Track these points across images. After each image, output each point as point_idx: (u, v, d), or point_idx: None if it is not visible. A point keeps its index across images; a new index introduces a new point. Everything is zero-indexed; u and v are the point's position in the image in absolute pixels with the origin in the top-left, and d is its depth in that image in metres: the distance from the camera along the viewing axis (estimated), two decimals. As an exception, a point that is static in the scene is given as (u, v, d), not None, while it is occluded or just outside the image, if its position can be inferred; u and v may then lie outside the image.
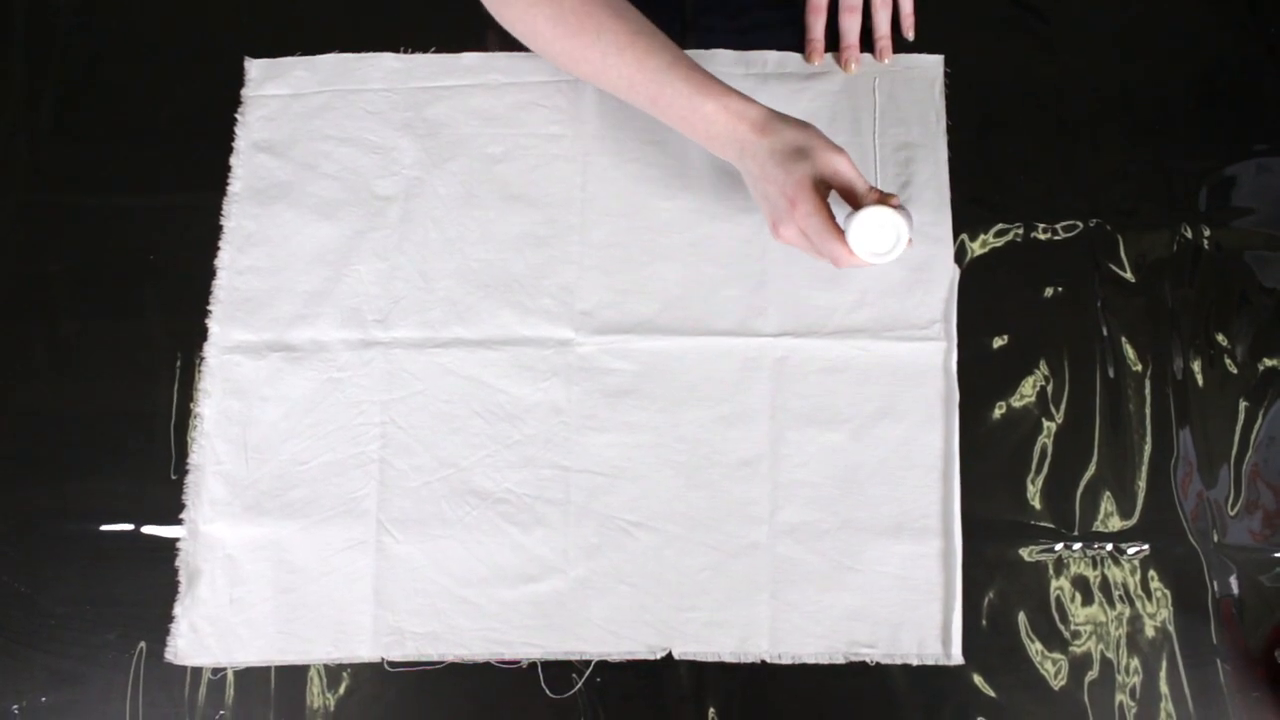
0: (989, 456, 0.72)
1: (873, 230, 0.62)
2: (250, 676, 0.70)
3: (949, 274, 0.75)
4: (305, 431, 0.73)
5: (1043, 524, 0.71)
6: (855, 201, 0.64)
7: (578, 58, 0.69)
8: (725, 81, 0.67)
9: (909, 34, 0.81)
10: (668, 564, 0.71)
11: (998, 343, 0.74)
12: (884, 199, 0.62)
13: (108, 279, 0.77)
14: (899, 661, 0.69)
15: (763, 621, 0.70)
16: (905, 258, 0.74)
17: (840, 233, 0.62)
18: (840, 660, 0.69)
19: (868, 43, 0.80)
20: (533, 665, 0.70)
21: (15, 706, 0.70)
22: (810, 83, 0.80)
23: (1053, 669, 0.69)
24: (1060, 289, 0.75)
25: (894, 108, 0.79)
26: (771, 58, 0.80)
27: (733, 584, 0.70)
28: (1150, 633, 0.69)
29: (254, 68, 0.81)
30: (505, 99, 0.80)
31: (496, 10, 0.72)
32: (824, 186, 0.63)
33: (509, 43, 0.76)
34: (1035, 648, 0.69)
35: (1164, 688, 0.69)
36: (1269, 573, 0.70)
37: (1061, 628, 0.70)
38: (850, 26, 0.80)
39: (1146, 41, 0.81)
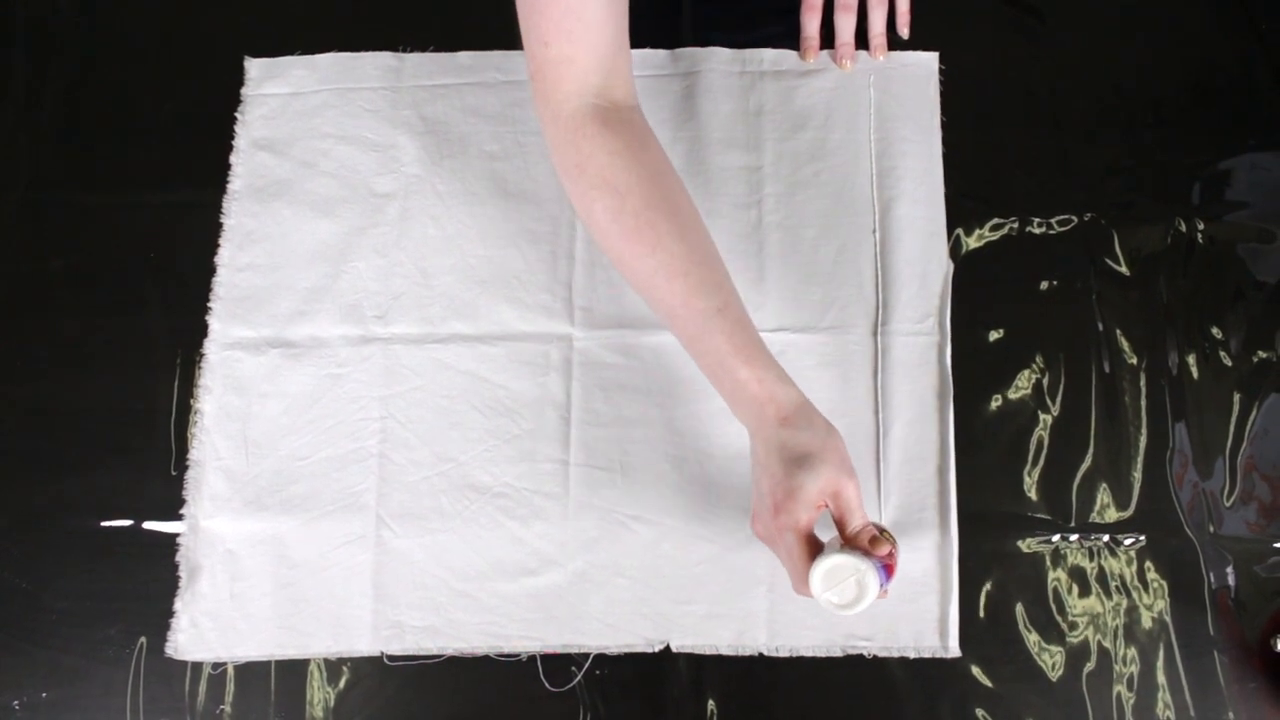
0: (985, 449, 0.73)
1: (836, 579, 0.57)
2: (250, 671, 0.70)
3: (943, 268, 0.75)
4: (305, 427, 0.74)
5: (1039, 516, 0.72)
6: (843, 532, 0.59)
7: (629, 264, 0.63)
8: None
9: (904, 32, 0.81)
10: (666, 557, 0.71)
11: (993, 336, 0.75)
12: (875, 542, 0.58)
13: (108, 276, 0.78)
14: (896, 654, 0.69)
15: (760, 614, 0.70)
16: (905, 258, 0.75)
17: (808, 563, 0.57)
18: (838, 653, 0.69)
19: (863, 40, 0.81)
20: (532, 658, 0.70)
21: (16, 702, 0.70)
22: (805, 80, 0.80)
23: (1050, 660, 0.69)
24: (1055, 283, 0.76)
25: (889, 104, 0.79)
26: (768, 55, 0.81)
27: (731, 577, 0.71)
28: (1147, 623, 0.70)
29: (254, 67, 0.82)
30: (503, 97, 0.80)
31: (563, 178, 0.65)
32: (819, 504, 0.58)
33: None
34: (1033, 639, 0.70)
35: (1161, 678, 0.69)
36: (1264, 563, 0.71)
37: (1059, 619, 0.70)
38: (845, 24, 0.80)
39: (1140, 37, 0.82)
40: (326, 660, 0.70)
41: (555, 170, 0.65)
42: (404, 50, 0.82)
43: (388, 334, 0.75)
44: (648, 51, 0.80)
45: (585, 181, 0.62)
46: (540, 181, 0.78)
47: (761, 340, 0.61)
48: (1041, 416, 0.73)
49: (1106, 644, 0.69)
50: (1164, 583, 0.70)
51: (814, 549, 0.58)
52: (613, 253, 0.64)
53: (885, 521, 0.71)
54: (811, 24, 0.80)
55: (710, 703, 0.69)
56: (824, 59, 0.81)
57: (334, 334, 0.75)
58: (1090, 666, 0.69)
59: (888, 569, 0.59)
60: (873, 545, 0.58)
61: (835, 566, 0.57)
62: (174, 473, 0.74)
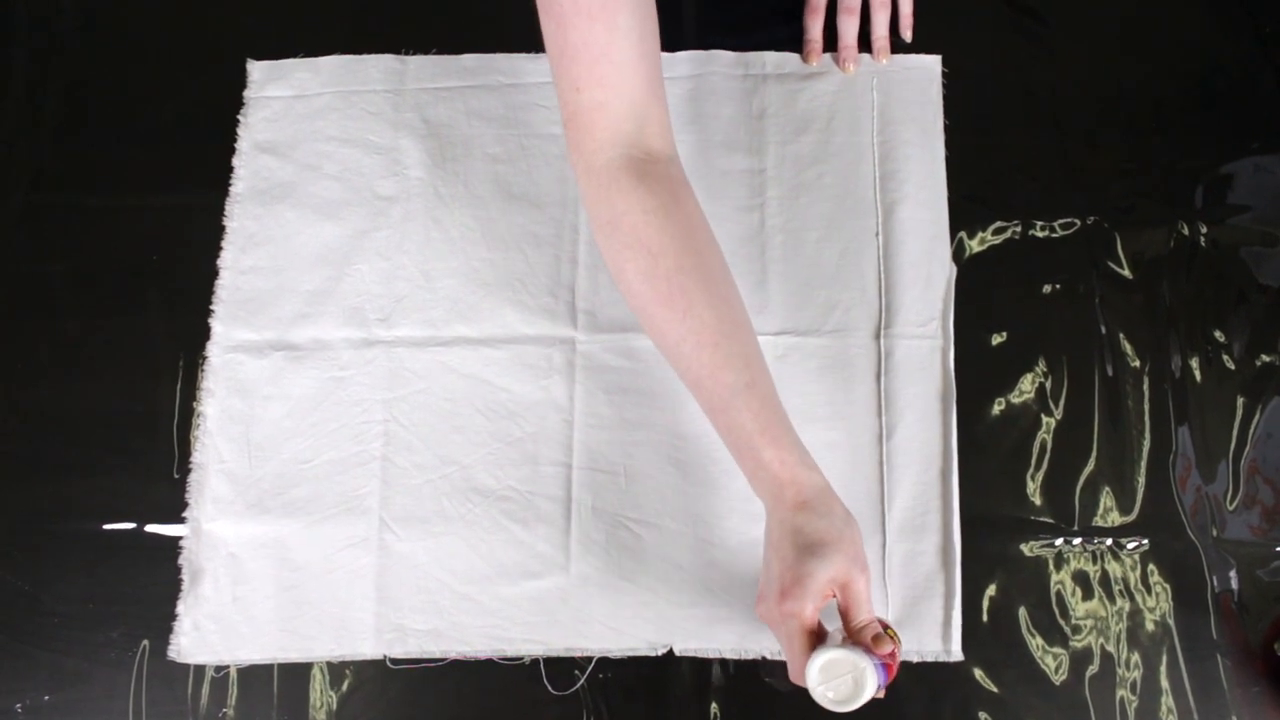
0: (988, 453, 0.73)
1: (834, 673, 0.56)
2: (253, 674, 0.70)
3: (947, 271, 0.75)
4: (308, 430, 0.74)
5: (1042, 519, 0.72)
6: (848, 625, 0.58)
7: (659, 328, 0.61)
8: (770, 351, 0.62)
9: (907, 35, 0.81)
10: (669, 561, 0.71)
11: (996, 340, 0.75)
12: (878, 640, 0.57)
13: (111, 279, 0.78)
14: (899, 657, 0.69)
15: (764, 618, 0.70)
16: (908, 261, 0.75)
17: (807, 653, 0.56)
18: (841, 656, 0.69)
19: (866, 43, 0.81)
20: (535, 662, 0.70)
21: (18, 705, 0.70)
22: (808, 83, 0.80)
23: (1053, 664, 0.69)
24: (1058, 286, 0.76)
25: (892, 107, 0.79)
26: (770, 58, 0.81)
27: (734, 581, 0.71)
28: (1150, 627, 0.70)
29: (256, 69, 0.82)
30: (506, 100, 0.80)
31: (596, 232, 0.63)
32: (827, 593, 0.57)
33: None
34: (1036, 643, 0.70)
35: (1164, 682, 0.69)
36: (1267, 567, 0.71)
37: (1062, 623, 0.70)
38: (848, 27, 0.80)
39: (1143, 41, 0.82)
40: (329, 663, 0.70)
41: (590, 223, 0.64)
42: (407, 53, 0.82)
43: (391, 337, 0.75)
44: (650, 54, 0.80)
45: (619, 240, 0.61)
46: (543, 185, 0.78)
47: (787, 419, 0.60)
48: (1044, 420, 0.73)
49: (1109, 648, 0.69)
50: (1167, 586, 0.70)
51: (816, 639, 0.57)
52: (643, 314, 0.62)
53: (888, 527, 0.71)
54: (815, 27, 0.81)
55: (713, 706, 0.69)
56: (827, 62, 0.81)
57: (337, 337, 0.75)
58: (1093, 670, 0.69)
59: (887, 668, 0.58)
60: (875, 643, 0.57)
61: (833, 660, 0.56)
62: (176, 476, 0.74)
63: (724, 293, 0.62)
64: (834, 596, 0.58)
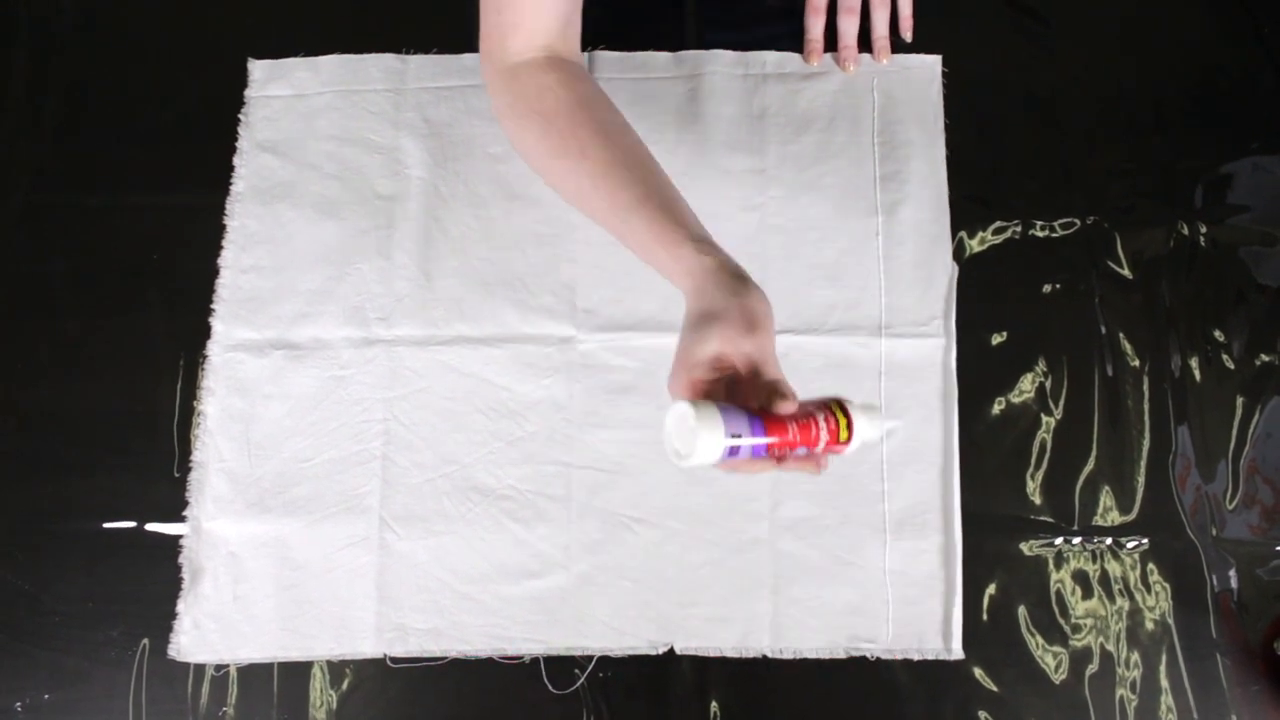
0: (989, 452, 0.73)
1: (672, 425, 0.52)
2: (253, 673, 0.70)
3: (948, 271, 0.76)
4: (308, 429, 0.74)
5: (1042, 518, 0.72)
6: (756, 386, 0.55)
7: (561, 179, 0.66)
8: (693, 226, 0.61)
9: (907, 35, 0.81)
10: (669, 560, 0.71)
11: (996, 339, 0.75)
12: (776, 398, 0.53)
13: (111, 278, 0.78)
14: (900, 656, 0.69)
15: (764, 617, 0.70)
16: (908, 261, 0.75)
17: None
18: (841, 655, 0.69)
19: (866, 43, 0.81)
20: (535, 661, 0.70)
21: (18, 704, 0.70)
22: (809, 82, 0.80)
23: (1053, 662, 0.69)
24: (1058, 285, 0.76)
25: (893, 107, 0.79)
26: (771, 58, 0.81)
27: (734, 579, 0.71)
28: (1150, 626, 0.70)
29: (257, 68, 0.82)
30: (506, 99, 0.80)
31: (500, 119, 0.69)
32: (715, 365, 0.55)
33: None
34: (1036, 641, 0.70)
35: (1164, 681, 0.69)
36: (1267, 566, 0.71)
37: (1062, 621, 0.70)
38: (848, 27, 0.80)
39: (1143, 42, 0.82)
40: (329, 662, 0.70)
41: (493, 111, 0.69)
42: (407, 52, 0.82)
43: (391, 336, 0.75)
44: (651, 54, 0.80)
45: (518, 113, 0.66)
46: (543, 184, 0.78)
47: (684, 217, 0.61)
48: (1044, 419, 0.73)
49: (1109, 647, 0.69)
50: (1166, 585, 0.70)
51: None
52: (546, 172, 0.67)
53: (887, 524, 0.71)
54: (816, 26, 0.81)
55: (714, 705, 0.69)
56: (828, 62, 0.81)
57: (337, 336, 0.75)
58: (1093, 669, 0.69)
59: (804, 431, 0.53)
60: (772, 401, 0.53)
61: (677, 414, 0.52)
62: (177, 474, 0.74)
63: (617, 137, 0.65)
64: (731, 369, 0.55)
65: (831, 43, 0.81)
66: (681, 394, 0.55)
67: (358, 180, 0.79)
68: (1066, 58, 0.81)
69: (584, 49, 0.71)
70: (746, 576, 0.71)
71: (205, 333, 0.76)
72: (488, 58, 0.67)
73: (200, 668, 0.70)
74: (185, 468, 0.74)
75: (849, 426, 0.55)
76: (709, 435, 0.50)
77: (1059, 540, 0.71)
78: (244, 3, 0.84)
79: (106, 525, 0.73)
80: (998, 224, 0.77)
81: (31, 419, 0.75)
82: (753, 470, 0.55)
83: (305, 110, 0.81)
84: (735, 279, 0.58)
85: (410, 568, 0.71)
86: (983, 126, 0.79)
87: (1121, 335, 0.75)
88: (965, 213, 0.77)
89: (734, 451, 0.52)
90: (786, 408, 0.53)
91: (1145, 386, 0.74)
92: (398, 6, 0.83)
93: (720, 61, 0.81)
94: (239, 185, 0.79)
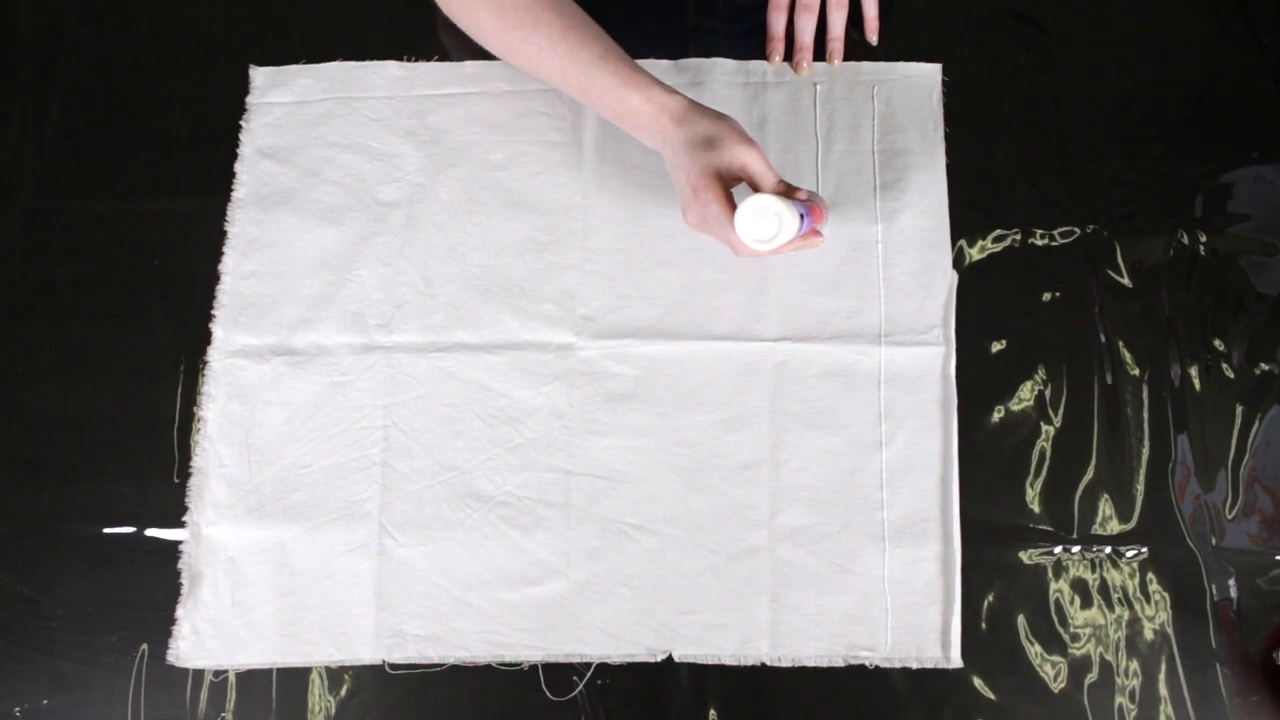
0: (988, 460, 0.73)
1: (753, 218, 0.62)
2: (252, 679, 0.70)
3: (947, 279, 0.76)
4: (308, 435, 0.74)
5: (1041, 527, 0.72)
6: (761, 190, 0.65)
7: (516, 50, 0.71)
8: (657, 80, 0.68)
9: (873, 39, 0.81)
10: (668, 567, 0.71)
11: (996, 347, 0.75)
12: (788, 191, 0.64)
13: (113, 283, 0.78)
14: (899, 664, 0.69)
15: (763, 624, 0.70)
16: (908, 269, 0.75)
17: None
18: (840, 663, 0.69)
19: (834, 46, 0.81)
20: (534, 667, 0.70)
21: (17, 709, 0.70)
22: (809, 91, 0.80)
23: (1052, 671, 0.69)
24: (1058, 294, 0.76)
25: (892, 115, 0.80)
26: (771, 67, 0.81)
27: (733, 587, 0.71)
28: (1149, 635, 0.70)
29: (259, 75, 0.82)
30: (507, 106, 0.80)
31: (445, 4, 0.74)
32: (730, 177, 0.65)
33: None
34: (1035, 650, 0.70)
35: (1163, 690, 0.69)
36: (1266, 575, 0.71)
37: (1061, 630, 0.70)
38: (805, 25, 0.80)
39: (1142, 49, 0.82)
40: (328, 668, 0.70)
41: (446, 9, 0.74)
42: (409, 59, 0.82)
43: (391, 342, 0.75)
44: (651, 62, 0.80)
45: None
46: (544, 191, 0.78)
47: (644, 70, 0.69)
48: (1044, 428, 0.73)
49: (1108, 656, 0.69)
50: (1166, 595, 0.70)
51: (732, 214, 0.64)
52: (502, 48, 0.73)
53: (886, 531, 0.71)
54: (778, 23, 0.81)
55: (712, 712, 0.69)
56: (820, 69, 0.81)
57: (337, 342, 0.76)
58: (1092, 678, 0.69)
59: (813, 211, 0.66)
60: (789, 191, 0.64)
61: (748, 205, 0.62)
62: (176, 480, 0.74)
63: (568, 9, 0.70)
64: (740, 181, 0.66)
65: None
66: (722, 200, 0.64)
67: (359, 187, 0.79)
68: (1067, 66, 0.81)
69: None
70: (745, 584, 0.71)
71: (206, 338, 0.76)
72: None
73: (199, 673, 0.70)
74: (185, 473, 0.74)
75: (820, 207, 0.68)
76: (790, 215, 0.62)
77: (1058, 549, 0.71)
78: (246, 10, 0.84)
79: (106, 530, 0.73)
80: (997, 232, 0.77)
81: (32, 423, 0.75)
82: (793, 248, 0.67)
83: (307, 117, 0.81)
84: (708, 109, 0.67)
85: (409, 574, 0.71)
86: (983, 135, 0.79)
87: (1121, 344, 0.75)
88: (965, 221, 0.77)
89: (801, 225, 0.64)
90: (802, 194, 0.65)
91: (1145, 395, 0.74)
92: (399, 14, 0.83)
93: (720, 69, 0.81)
94: (240, 191, 0.79)
